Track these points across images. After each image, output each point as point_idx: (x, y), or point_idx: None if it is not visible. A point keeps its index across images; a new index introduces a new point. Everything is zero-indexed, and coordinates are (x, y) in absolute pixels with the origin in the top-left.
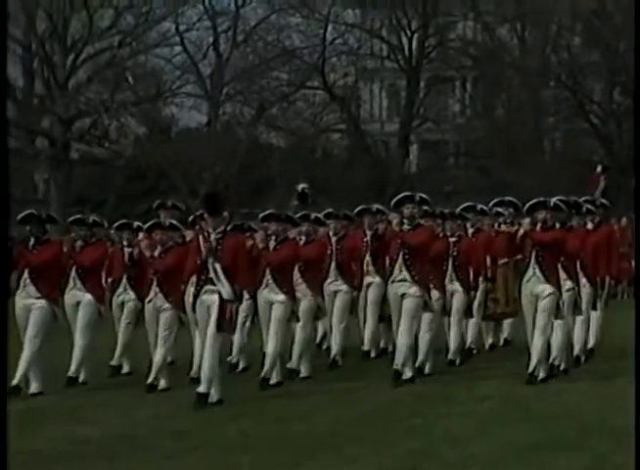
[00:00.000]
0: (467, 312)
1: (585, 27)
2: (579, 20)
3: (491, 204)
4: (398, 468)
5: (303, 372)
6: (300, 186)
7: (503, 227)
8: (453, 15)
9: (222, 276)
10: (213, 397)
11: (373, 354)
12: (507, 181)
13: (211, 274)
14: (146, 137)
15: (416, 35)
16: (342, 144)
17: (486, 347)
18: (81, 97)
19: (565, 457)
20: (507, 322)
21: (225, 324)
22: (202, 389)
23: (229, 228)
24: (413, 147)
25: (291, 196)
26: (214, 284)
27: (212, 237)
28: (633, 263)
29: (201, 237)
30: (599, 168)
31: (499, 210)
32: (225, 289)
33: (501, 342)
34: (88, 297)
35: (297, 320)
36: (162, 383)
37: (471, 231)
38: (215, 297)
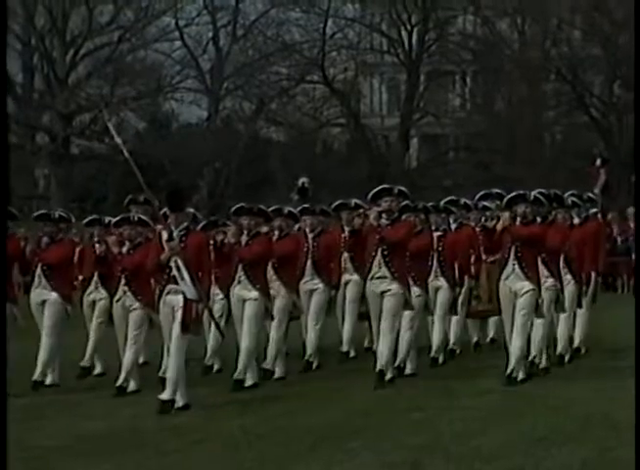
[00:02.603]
0: (451, 309)
1: (585, 21)
2: (579, 13)
3: (477, 197)
4: (402, 462)
5: (278, 373)
6: (301, 180)
7: (486, 222)
8: (453, 9)
9: (186, 275)
10: (179, 402)
11: (352, 354)
12: (507, 175)
13: (174, 273)
14: (146, 132)
15: (416, 29)
16: (342, 138)
17: (471, 345)
18: (81, 92)
19: (568, 450)
20: (492, 320)
21: (191, 325)
22: (166, 395)
23: (202, 224)
24: (413, 141)
25: (291, 190)
26: (177, 283)
27: (175, 234)
28: None
29: (163, 235)
30: (598, 161)
31: (486, 203)
32: (188, 289)
33: (487, 340)
34: (54, 295)
35: (272, 318)
36: (132, 385)
37: (454, 226)
38: (179, 297)
